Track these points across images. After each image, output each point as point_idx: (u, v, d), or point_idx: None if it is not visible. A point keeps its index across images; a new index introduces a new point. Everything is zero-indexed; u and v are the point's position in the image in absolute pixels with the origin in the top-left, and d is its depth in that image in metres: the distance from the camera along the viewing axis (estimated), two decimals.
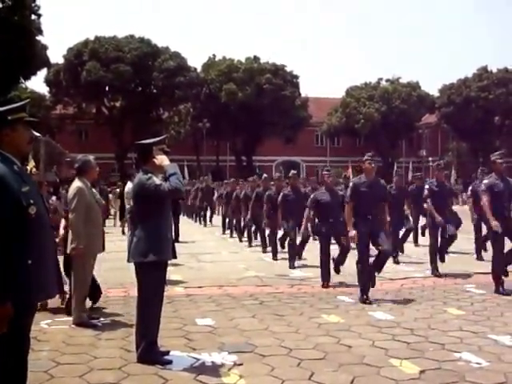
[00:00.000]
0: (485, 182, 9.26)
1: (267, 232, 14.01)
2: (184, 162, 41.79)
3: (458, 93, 57.38)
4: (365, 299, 8.28)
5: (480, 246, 12.88)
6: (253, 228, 15.80)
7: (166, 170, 5.42)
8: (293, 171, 12.48)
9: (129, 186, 14.73)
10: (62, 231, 7.68)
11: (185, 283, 10.02)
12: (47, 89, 51.96)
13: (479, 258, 12.69)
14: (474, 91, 56.15)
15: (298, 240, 11.93)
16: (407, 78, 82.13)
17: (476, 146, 56.20)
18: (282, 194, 11.75)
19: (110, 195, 25.48)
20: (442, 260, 11.15)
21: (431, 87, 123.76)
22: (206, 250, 15.37)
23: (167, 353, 5.76)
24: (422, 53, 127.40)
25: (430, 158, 58.26)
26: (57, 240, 7.18)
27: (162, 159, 5.50)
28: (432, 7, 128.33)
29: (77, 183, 7.11)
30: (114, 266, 11.38)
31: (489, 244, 10.48)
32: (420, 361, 5.62)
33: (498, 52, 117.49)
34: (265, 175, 15.21)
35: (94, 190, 7.55)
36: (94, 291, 7.71)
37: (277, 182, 13.54)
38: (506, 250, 9.11)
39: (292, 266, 11.71)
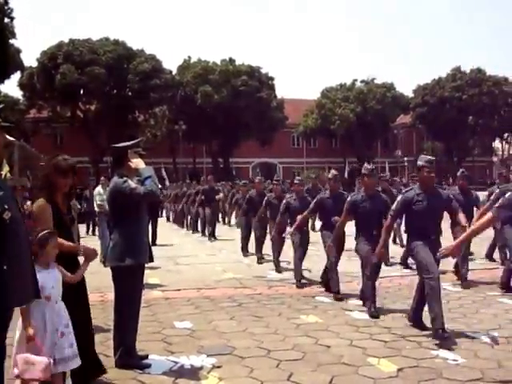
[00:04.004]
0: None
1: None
2: (161, 165, 41.58)
3: (432, 93, 58.02)
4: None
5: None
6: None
7: (141, 173, 5.40)
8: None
9: (97, 189, 14.78)
10: None
11: (163, 286, 9.99)
12: (21, 92, 51.50)
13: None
14: (448, 91, 56.81)
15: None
16: (382, 78, 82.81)
17: (450, 145, 56.87)
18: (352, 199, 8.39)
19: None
20: None
21: (406, 88, 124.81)
22: (183, 252, 15.32)
23: (146, 357, 5.74)
24: (396, 54, 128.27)
25: (406, 158, 58.81)
26: None
27: (137, 162, 5.47)
28: (405, 8, 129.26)
29: None
30: (91, 270, 11.27)
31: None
32: (397, 359, 5.67)
33: (471, 52, 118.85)
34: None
35: None
36: None
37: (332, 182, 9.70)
38: None
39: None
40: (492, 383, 5.02)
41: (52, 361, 4.19)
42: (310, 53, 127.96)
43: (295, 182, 11.46)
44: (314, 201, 9.70)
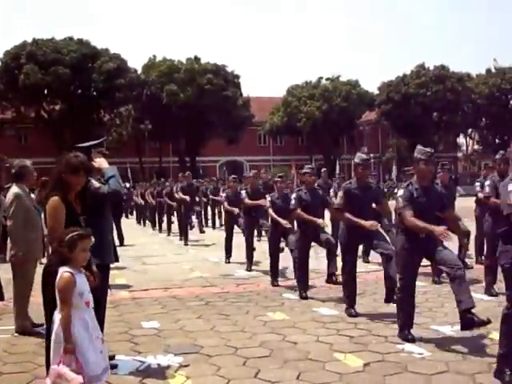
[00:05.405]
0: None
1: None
2: (127, 165, 41.33)
3: (396, 90, 58.37)
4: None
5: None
6: None
7: (104, 173, 5.37)
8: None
9: None
10: None
11: (130, 287, 9.93)
12: None
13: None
14: (413, 88, 57.22)
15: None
16: (347, 76, 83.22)
17: (415, 141, 56.68)
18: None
19: None
20: None
21: (371, 85, 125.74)
22: (150, 252, 15.25)
23: (112, 357, 5.69)
24: (361, 51, 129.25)
25: (371, 155, 59.11)
26: None
27: (100, 162, 5.44)
28: (369, 6, 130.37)
29: (14, 189, 6.96)
30: None
31: None
32: (364, 354, 5.73)
33: (435, 49, 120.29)
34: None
35: (32, 195, 7.42)
36: None
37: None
38: None
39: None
40: (457, 376, 5.09)
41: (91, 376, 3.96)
42: (275, 51, 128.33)
43: (306, 171, 9.60)
44: (341, 193, 7.83)
